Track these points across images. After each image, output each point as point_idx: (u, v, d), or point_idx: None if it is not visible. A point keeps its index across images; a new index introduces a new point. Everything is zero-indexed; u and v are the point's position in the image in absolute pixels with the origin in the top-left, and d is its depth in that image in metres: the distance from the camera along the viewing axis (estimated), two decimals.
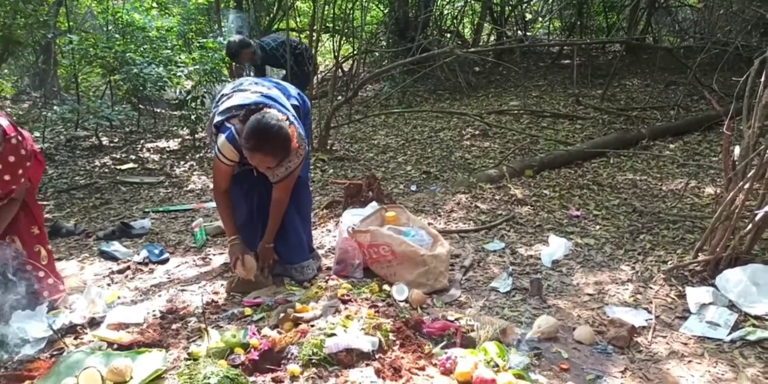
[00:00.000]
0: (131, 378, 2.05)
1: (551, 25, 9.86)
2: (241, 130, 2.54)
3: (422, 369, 2.12)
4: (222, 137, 2.62)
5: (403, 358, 2.15)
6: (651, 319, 2.61)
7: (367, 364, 2.08)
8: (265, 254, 2.97)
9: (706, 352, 2.37)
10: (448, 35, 8.82)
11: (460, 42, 8.94)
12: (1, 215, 2.51)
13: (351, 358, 2.10)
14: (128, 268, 3.37)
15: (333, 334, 2.18)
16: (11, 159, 2.33)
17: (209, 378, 1.90)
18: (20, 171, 2.39)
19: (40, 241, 2.74)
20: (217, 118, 2.67)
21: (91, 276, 3.29)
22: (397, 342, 2.26)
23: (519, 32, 9.07)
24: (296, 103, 2.92)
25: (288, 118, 2.58)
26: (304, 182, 3.06)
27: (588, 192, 4.35)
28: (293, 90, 3.00)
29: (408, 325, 2.37)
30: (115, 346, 2.34)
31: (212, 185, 2.98)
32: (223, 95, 2.81)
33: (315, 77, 6.82)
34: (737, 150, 2.93)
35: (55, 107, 5.92)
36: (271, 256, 2.99)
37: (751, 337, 2.42)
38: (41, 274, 2.69)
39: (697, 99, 6.36)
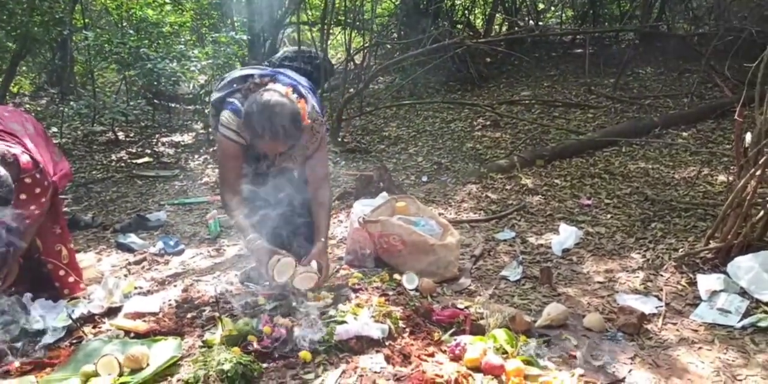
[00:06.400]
0: (147, 365, 2.10)
1: (563, 15, 9.75)
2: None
3: (431, 355, 2.14)
4: (225, 112, 2.36)
5: (412, 344, 2.18)
6: (661, 307, 2.62)
7: (377, 351, 2.10)
8: (324, 257, 2.59)
9: (716, 339, 2.38)
10: (459, 26, 8.76)
11: (471, 33, 8.88)
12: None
13: (361, 344, 2.13)
14: (144, 259, 3.44)
15: (344, 322, 2.21)
16: (22, 197, 2.33)
17: (223, 364, 1.94)
18: (33, 207, 2.39)
19: (61, 240, 2.78)
20: (217, 95, 2.42)
21: (108, 267, 3.36)
22: (407, 329, 2.28)
23: (531, 22, 8.99)
24: None
25: (295, 90, 2.34)
26: None
27: (599, 181, 4.34)
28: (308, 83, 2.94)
29: (418, 313, 2.39)
30: (132, 334, 2.40)
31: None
32: (224, 78, 2.58)
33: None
34: (749, 137, 2.91)
35: (71, 103, 6.01)
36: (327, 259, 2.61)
37: (763, 324, 2.42)
38: (62, 272, 2.75)
39: (711, 86, 6.27)
